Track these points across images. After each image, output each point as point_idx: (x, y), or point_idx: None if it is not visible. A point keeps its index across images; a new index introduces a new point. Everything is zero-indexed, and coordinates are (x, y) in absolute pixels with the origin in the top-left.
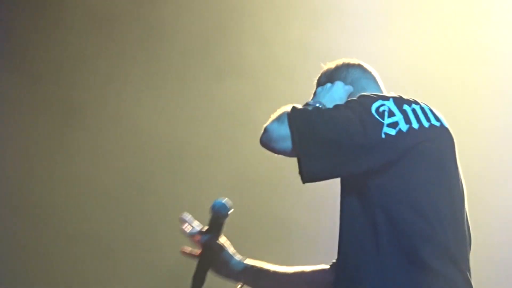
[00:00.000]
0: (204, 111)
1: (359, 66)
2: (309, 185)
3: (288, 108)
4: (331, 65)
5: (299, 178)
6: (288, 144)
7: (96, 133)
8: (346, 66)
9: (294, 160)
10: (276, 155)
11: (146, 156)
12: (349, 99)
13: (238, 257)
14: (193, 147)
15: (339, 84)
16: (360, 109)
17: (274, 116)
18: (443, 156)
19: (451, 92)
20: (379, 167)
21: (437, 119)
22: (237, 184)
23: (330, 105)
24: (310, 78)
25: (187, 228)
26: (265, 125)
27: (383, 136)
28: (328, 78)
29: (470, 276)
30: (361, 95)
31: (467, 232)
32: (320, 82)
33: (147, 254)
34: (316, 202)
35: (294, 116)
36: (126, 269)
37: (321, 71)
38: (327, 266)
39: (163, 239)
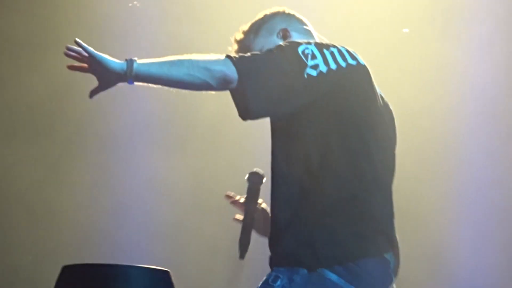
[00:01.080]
0: None
1: (284, 14)
2: None
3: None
4: (260, 15)
5: None
6: (232, 83)
7: None
8: (274, 15)
9: None
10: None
11: None
12: (279, 43)
13: None
14: None
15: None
16: (289, 51)
17: (213, 60)
18: (359, 95)
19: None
20: (300, 108)
21: (353, 58)
22: None
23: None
24: None
25: (233, 199)
26: (209, 66)
27: (305, 76)
28: (257, 29)
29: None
30: (288, 40)
31: (391, 161)
32: (251, 32)
33: None
34: None
35: (238, 60)
36: None
37: (250, 22)
38: None
39: None
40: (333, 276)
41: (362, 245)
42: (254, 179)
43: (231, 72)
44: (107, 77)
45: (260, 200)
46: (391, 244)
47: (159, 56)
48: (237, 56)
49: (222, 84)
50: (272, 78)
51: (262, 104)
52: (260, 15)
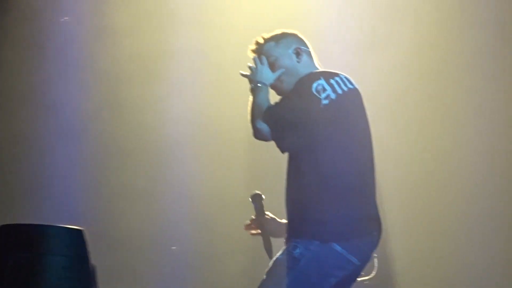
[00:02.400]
0: None
1: (295, 36)
2: None
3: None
4: (279, 31)
5: None
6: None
7: None
8: (291, 35)
9: None
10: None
11: None
12: (296, 87)
13: (283, 220)
14: None
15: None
16: (305, 92)
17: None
18: (351, 114)
19: None
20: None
21: (350, 83)
22: None
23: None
24: None
25: (249, 224)
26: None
27: (321, 106)
28: (278, 40)
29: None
30: (302, 79)
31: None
32: (272, 40)
33: None
34: None
35: (267, 114)
36: None
37: (261, 42)
38: None
39: None
40: (338, 248)
41: (360, 226)
42: (257, 199)
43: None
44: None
45: (267, 212)
46: (378, 222)
47: None
48: (266, 114)
49: (265, 138)
50: (294, 119)
51: (288, 144)
52: (279, 31)
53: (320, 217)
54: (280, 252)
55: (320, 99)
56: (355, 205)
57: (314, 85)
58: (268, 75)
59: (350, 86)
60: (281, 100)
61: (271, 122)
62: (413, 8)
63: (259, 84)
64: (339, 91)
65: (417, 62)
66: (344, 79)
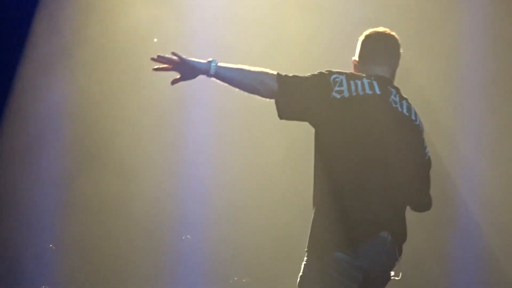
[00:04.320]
0: None
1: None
2: None
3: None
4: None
5: None
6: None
7: None
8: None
9: None
10: None
11: None
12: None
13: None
14: None
15: None
16: (322, 77)
17: (267, 76)
18: (370, 113)
19: None
20: (324, 119)
21: (374, 89)
22: None
23: None
24: None
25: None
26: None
27: (331, 97)
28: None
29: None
30: (328, 70)
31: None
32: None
33: None
34: None
35: (282, 77)
36: None
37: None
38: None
39: None
40: (340, 255)
41: (359, 230)
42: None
43: (275, 86)
44: (191, 73)
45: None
46: (386, 224)
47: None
48: (282, 75)
49: (269, 94)
50: (303, 93)
51: (291, 110)
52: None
53: (316, 227)
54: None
55: (332, 89)
56: (350, 209)
57: (334, 76)
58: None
59: (376, 91)
60: (300, 75)
61: (283, 86)
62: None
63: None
64: (354, 93)
65: None
66: (374, 83)
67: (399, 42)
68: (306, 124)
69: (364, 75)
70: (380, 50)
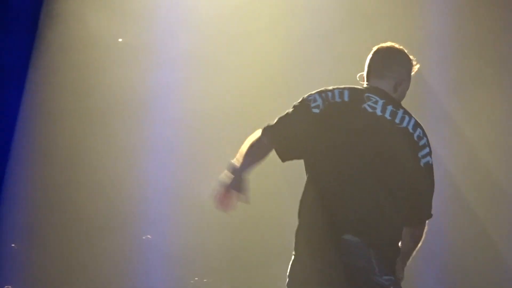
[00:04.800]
0: None
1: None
2: None
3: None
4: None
5: None
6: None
7: None
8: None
9: None
10: None
11: None
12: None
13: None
14: None
15: None
16: (298, 104)
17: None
18: (338, 120)
19: None
20: (313, 143)
21: (343, 97)
22: None
23: None
24: None
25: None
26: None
27: (312, 112)
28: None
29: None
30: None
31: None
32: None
33: None
34: None
35: (266, 130)
36: None
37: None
38: None
39: None
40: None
41: (328, 235)
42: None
43: (265, 141)
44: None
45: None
46: (361, 226)
47: None
48: (266, 126)
49: (269, 150)
50: (291, 131)
51: (288, 152)
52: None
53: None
54: None
55: (310, 107)
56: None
57: (308, 96)
58: None
59: (345, 98)
60: (282, 115)
61: (270, 137)
62: None
63: None
64: (326, 103)
65: None
66: (340, 92)
67: (407, 56)
68: None
69: (335, 86)
70: (379, 63)
